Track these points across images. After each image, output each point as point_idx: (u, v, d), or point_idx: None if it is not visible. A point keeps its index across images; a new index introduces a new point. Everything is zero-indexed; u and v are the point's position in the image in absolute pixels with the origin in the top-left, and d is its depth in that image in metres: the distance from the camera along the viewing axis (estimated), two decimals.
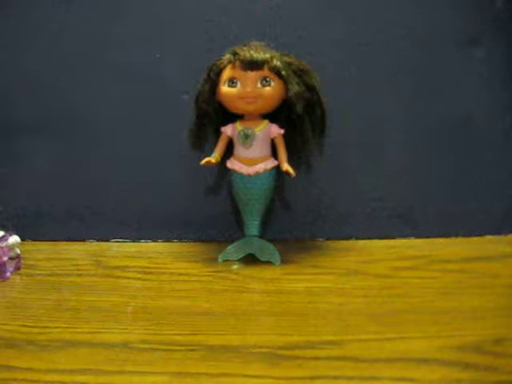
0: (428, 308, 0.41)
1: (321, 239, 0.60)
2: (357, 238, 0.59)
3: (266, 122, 0.51)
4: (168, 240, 0.61)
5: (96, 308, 0.43)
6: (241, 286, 0.47)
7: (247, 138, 0.51)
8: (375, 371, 0.33)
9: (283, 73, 0.49)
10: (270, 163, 0.52)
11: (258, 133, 0.51)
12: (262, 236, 0.54)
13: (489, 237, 0.59)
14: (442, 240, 0.58)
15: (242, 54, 0.48)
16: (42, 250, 0.57)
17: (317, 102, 0.52)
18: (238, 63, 0.49)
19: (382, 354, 0.35)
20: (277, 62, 0.49)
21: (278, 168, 0.52)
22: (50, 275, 0.50)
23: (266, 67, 0.49)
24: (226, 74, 0.49)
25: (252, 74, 0.49)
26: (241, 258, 0.53)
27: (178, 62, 0.58)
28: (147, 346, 0.37)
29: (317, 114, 0.52)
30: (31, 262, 0.53)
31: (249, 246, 0.53)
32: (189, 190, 0.60)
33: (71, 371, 0.34)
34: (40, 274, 0.51)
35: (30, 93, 0.59)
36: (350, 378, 0.32)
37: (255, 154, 0.51)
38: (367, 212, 0.60)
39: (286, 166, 0.51)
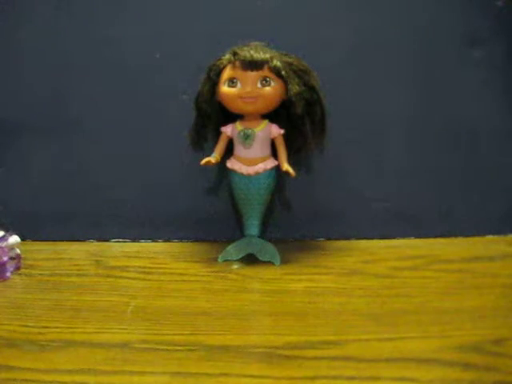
0: (428, 308, 0.41)
1: (321, 239, 0.60)
2: (357, 238, 0.59)
3: (265, 121, 0.51)
4: (168, 240, 0.61)
5: (96, 308, 0.43)
6: (241, 286, 0.47)
7: (247, 138, 0.51)
8: (375, 371, 0.33)
9: (283, 73, 0.49)
10: (270, 163, 0.52)
11: (258, 133, 0.51)
12: (261, 236, 0.54)
13: (489, 237, 0.59)
14: (442, 240, 0.58)
15: (241, 53, 0.48)
16: (41, 250, 0.57)
17: (317, 102, 0.52)
18: (237, 63, 0.49)
19: (382, 354, 0.35)
20: (277, 62, 0.49)
21: (277, 168, 0.52)
22: (50, 275, 0.50)
23: (265, 67, 0.49)
24: (226, 73, 0.49)
25: (252, 74, 0.49)
26: (241, 258, 0.53)
27: (178, 62, 0.58)
28: (147, 346, 0.37)
29: (317, 114, 0.52)
30: (31, 262, 0.53)
31: (249, 246, 0.53)
32: (189, 190, 0.60)
33: (71, 371, 0.34)
34: (40, 274, 0.51)
35: (29, 93, 0.59)
36: (350, 378, 0.32)
37: (255, 154, 0.51)
38: (367, 212, 0.60)
39: (286, 166, 0.51)
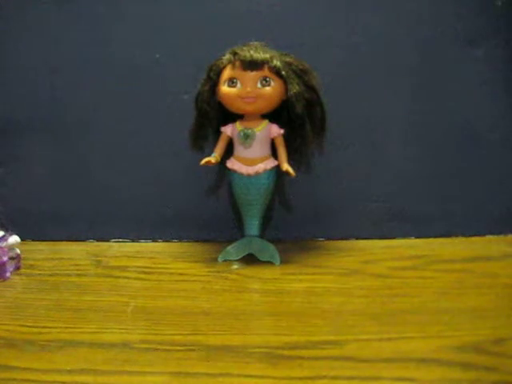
0: (428, 308, 0.41)
1: (321, 239, 0.60)
2: (357, 238, 0.59)
3: (266, 121, 0.51)
4: (168, 240, 0.61)
5: (96, 308, 0.43)
6: (241, 286, 0.47)
7: (247, 138, 0.51)
8: (375, 371, 0.33)
9: (283, 73, 0.49)
10: (270, 163, 0.52)
11: (258, 133, 0.51)
12: (261, 236, 0.54)
13: (489, 237, 0.59)
14: (442, 240, 0.58)
15: (241, 53, 0.48)
16: (41, 250, 0.57)
17: (317, 101, 0.52)
18: (237, 63, 0.49)
19: (382, 354, 0.35)
20: (277, 62, 0.49)
21: (278, 168, 0.52)
22: (50, 275, 0.50)
23: (265, 67, 0.49)
24: (226, 73, 0.49)
25: (252, 74, 0.49)
26: (241, 258, 0.53)
27: (177, 62, 0.58)
28: (147, 346, 0.37)
29: (317, 114, 0.52)
30: (31, 262, 0.53)
31: (249, 246, 0.53)
32: (189, 190, 0.60)
33: (71, 371, 0.34)
34: (40, 274, 0.51)
35: (30, 93, 0.59)
36: (350, 378, 0.32)
37: (255, 154, 0.51)
38: (367, 212, 0.60)
39: (285, 166, 0.51)
